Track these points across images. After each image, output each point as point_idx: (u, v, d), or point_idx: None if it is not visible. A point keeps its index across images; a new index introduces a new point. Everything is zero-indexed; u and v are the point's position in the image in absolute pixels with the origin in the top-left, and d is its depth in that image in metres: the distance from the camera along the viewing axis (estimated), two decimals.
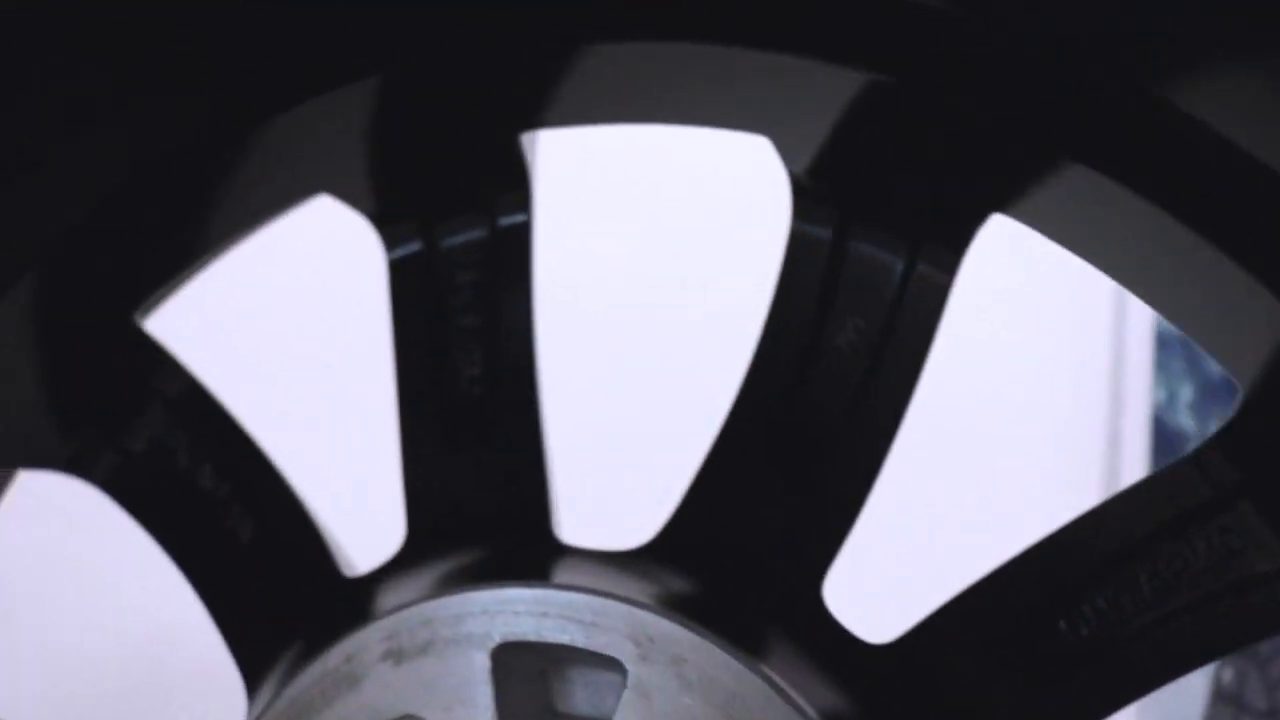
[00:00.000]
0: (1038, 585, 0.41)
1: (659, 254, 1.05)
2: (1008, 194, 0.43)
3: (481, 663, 0.43)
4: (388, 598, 0.48)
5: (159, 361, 0.53)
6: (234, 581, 0.51)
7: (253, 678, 0.50)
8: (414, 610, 0.43)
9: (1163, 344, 1.40)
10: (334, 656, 0.44)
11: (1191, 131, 0.38)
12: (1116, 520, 0.40)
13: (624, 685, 0.42)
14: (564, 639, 0.42)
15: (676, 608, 0.42)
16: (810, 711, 0.41)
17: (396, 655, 0.44)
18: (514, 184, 0.50)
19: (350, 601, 0.49)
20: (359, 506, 0.65)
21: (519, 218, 0.50)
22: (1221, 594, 0.39)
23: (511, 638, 0.43)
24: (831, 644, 0.44)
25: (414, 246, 0.50)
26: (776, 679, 0.41)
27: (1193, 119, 0.38)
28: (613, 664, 0.43)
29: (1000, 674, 0.42)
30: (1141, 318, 1.20)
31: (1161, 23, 0.36)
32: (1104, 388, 1.08)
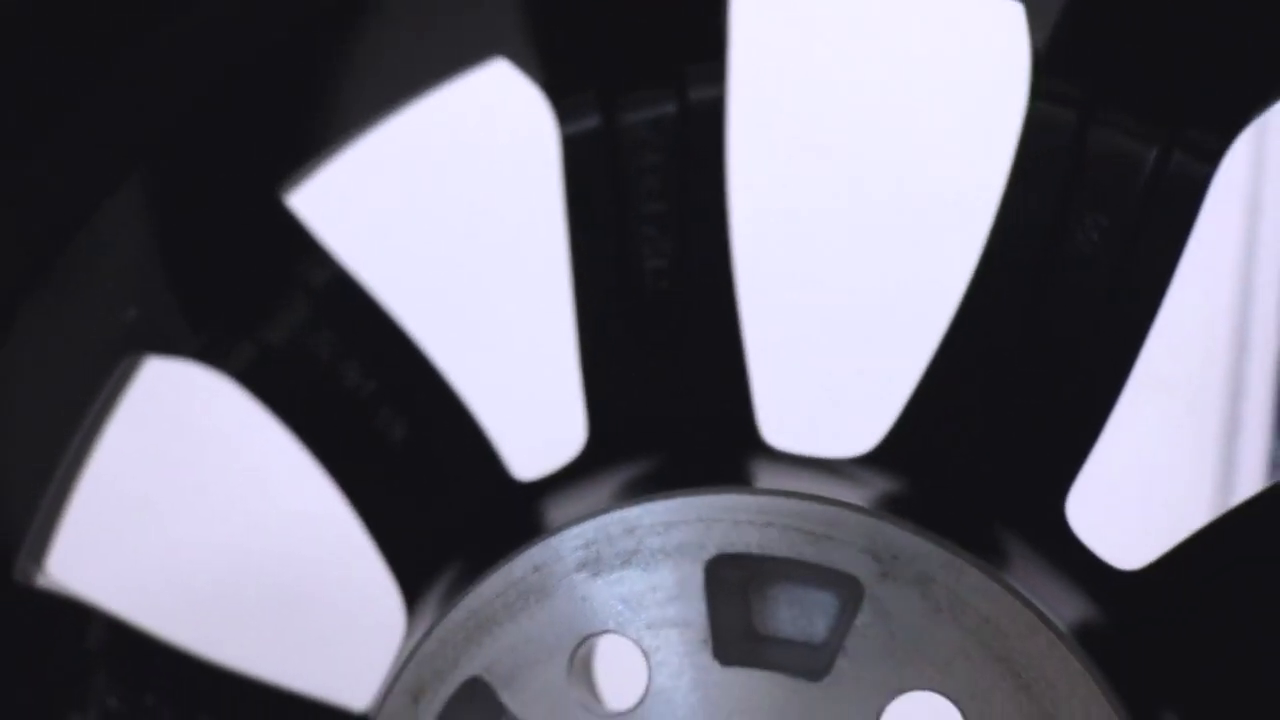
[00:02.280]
0: None
1: (871, 133, 0.91)
2: None
3: (695, 576, 0.38)
4: (572, 504, 0.43)
5: (303, 246, 0.48)
6: (388, 488, 0.47)
7: (413, 593, 0.46)
8: (615, 516, 0.39)
9: None
10: (519, 565, 0.40)
11: None
12: None
13: (843, 606, 0.38)
14: (789, 552, 0.38)
15: (915, 522, 0.37)
16: (1072, 642, 0.36)
17: (594, 565, 0.39)
18: (708, 53, 0.44)
19: (525, 508, 0.44)
20: (520, 406, 0.59)
21: (712, 92, 0.44)
22: None
23: (728, 549, 0.38)
24: (1082, 568, 0.39)
25: (593, 121, 0.45)
26: (1039, 606, 0.36)
27: None
28: (833, 581, 0.38)
29: (1258, 604, 0.38)
30: (1270, 259, 1.13)
31: None
32: (1229, 336, 1.01)
